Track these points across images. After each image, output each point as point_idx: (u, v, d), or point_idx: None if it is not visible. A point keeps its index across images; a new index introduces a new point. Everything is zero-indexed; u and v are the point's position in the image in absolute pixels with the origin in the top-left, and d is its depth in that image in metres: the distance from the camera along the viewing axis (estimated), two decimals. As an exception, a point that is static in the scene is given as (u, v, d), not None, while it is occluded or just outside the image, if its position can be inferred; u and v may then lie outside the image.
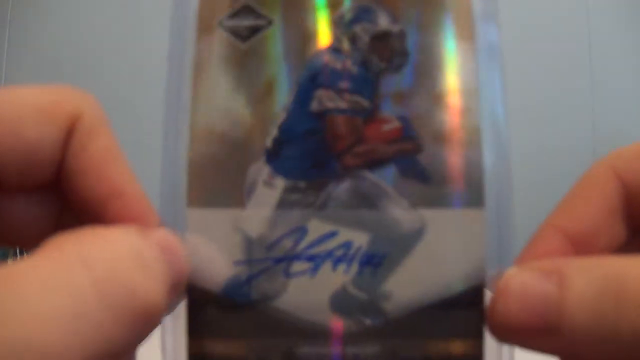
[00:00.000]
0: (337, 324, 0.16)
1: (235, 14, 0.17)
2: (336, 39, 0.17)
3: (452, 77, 0.17)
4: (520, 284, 0.14)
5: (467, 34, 0.17)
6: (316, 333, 0.16)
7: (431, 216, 0.16)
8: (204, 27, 0.17)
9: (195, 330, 0.16)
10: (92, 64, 1.24)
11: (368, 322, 0.16)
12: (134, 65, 1.24)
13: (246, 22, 0.17)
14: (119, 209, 0.16)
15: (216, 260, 0.16)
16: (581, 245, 0.16)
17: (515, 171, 0.16)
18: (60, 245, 0.13)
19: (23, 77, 1.26)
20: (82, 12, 1.26)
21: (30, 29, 1.26)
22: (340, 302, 0.16)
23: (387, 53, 0.17)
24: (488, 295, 0.16)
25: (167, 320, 0.16)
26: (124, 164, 0.16)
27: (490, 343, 0.16)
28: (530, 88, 1.15)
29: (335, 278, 0.16)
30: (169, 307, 0.15)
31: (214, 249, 0.16)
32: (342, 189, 0.16)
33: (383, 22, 0.17)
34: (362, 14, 0.17)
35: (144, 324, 0.13)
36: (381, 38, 0.17)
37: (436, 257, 0.16)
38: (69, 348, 0.11)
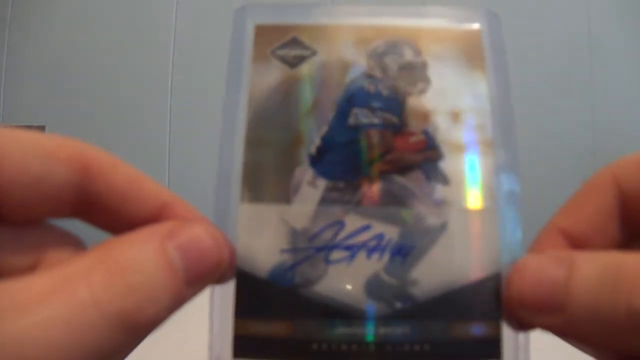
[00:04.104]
0: (371, 306, 0.18)
1: (285, 45, 0.21)
2: (370, 67, 0.20)
3: (467, 98, 0.20)
4: (535, 266, 0.17)
5: (479, 64, 0.20)
6: (352, 315, 0.18)
7: (451, 213, 0.19)
8: (259, 56, 0.20)
9: (242, 311, 0.18)
10: (92, 65, 1.24)
11: (398, 305, 0.18)
12: (135, 65, 1.25)
13: (294, 52, 0.20)
14: (168, 218, 0.18)
15: (264, 248, 0.18)
16: (580, 246, 0.18)
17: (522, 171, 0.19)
18: (71, 260, 0.15)
19: (23, 77, 1.26)
20: (82, 13, 1.27)
21: (30, 29, 1.27)
22: (374, 287, 0.18)
23: (412, 80, 0.20)
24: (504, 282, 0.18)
25: (215, 302, 0.18)
26: (153, 180, 0.18)
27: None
28: (532, 89, 1.18)
29: (369, 266, 0.18)
30: (193, 295, 0.17)
31: (262, 239, 0.19)
32: (375, 188, 0.19)
33: (408, 54, 0.20)
34: (391, 48, 0.20)
35: (136, 335, 0.15)
36: (407, 68, 0.20)
37: (456, 249, 0.18)
38: (57, 348, 0.13)
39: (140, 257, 0.15)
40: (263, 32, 0.21)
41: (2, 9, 1.29)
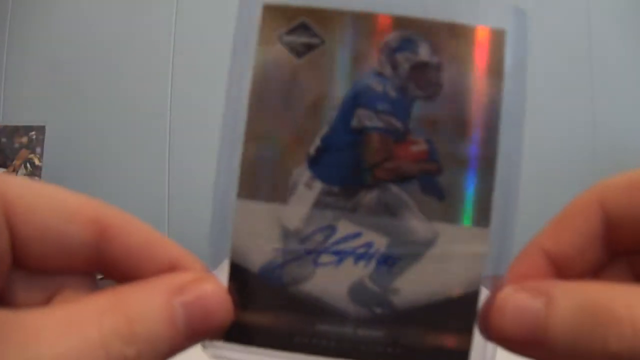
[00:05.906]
0: (352, 309, 0.19)
1: (293, 30, 0.19)
2: (380, 64, 0.19)
3: (477, 110, 0.19)
4: (514, 302, 0.17)
5: (497, 70, 0.19)
6: (334, 314, 0.19)
7: (442, 229, 0.19)
8: (265, 40, 0.19)
9: (233, 301, 0.19)
10: (92, 64, 1.24)
11: (378, 310, 0.19)
12: (135, 65, 1.24)
13: (302, 39, 0.19)
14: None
15: (257, 245, 0.19)
16: (562, 266, 0.19)
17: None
18: (85, 298, 0.16)
19: (23, 77, 1.27)
20: (82, 12, 1.26)
21: (30, 29, 1.27)
22: (357, 292, 0.19)
23: (423, 82, 0.19)
24: (482, 297, 0.19)
25: None
26: (165, 238, 0.19)
27: (477, 339, 0.19)
28: (531, 88, 1.15)
29: (355, 271, 0.19)
30: (192, 345, 0.18)
31: (256, 236, 0.19)
32: (370, 197, 0.19)
33: (423, 53, 0.19)
34: (405, 43, 0.19)
35: None
36: (420, 68, 0.19)
37: (442, 265, 0.19)
38: None
39: (147, 310, 0.16)
40: (271, 13, 0.19)
41: (2, 9, 1.24)
